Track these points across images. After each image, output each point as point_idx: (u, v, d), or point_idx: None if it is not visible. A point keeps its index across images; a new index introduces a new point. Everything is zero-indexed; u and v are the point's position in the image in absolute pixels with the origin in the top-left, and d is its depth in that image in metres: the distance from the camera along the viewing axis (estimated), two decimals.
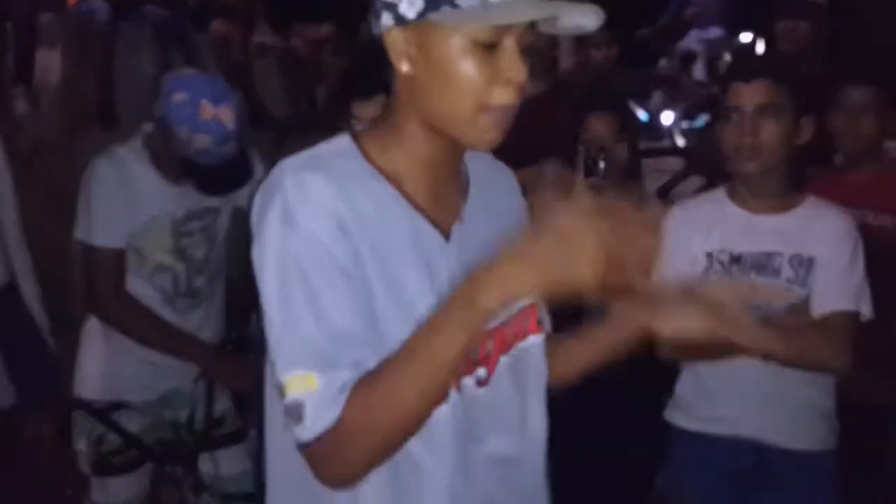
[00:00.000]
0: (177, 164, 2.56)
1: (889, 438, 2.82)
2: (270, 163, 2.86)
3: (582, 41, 4.42)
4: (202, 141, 2.46)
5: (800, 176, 2.47)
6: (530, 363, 1.49)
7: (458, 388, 1.35)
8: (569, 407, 2.89)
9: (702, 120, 7.96)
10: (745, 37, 7.55)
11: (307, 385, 1.23)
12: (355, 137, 1.39)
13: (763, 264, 2.31)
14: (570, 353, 1.61)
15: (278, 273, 1.26)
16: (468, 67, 1.26)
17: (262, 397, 1.44)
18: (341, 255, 1.26)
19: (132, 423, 2.72)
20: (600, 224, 1.13)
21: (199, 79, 2.53)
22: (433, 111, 1.32)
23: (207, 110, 2.44)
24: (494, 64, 1.26)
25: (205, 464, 2.80)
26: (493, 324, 1.36)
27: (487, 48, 1.26)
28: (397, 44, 1.30)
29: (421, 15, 1.25)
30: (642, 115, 8.32)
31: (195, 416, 2.79)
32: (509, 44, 1.27)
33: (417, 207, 1.36)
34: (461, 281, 1.23)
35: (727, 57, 8.02)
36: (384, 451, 1.26)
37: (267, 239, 1.28)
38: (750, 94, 2.29)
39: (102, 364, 2.71)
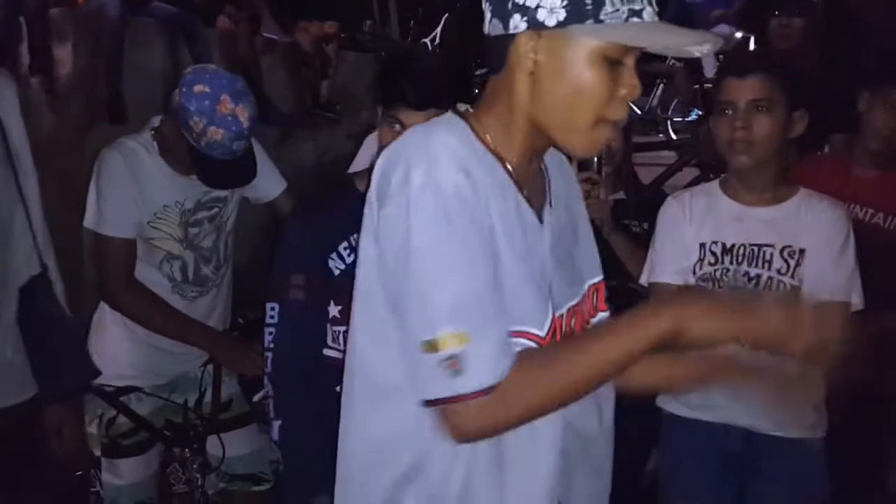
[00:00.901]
0: (186, 156, 2.59)
1: (880, 427, 2.85)
2: (274, 157, 2.93)
3: None
4: (217, 134, 2.49)
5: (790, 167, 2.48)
6: None
7: None
8: None
9: (694, 114, 7.99)
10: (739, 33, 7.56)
11: (462, 341, 1.28)
12: (463, 118, 1.46)
13: (754, 255, 2.34)
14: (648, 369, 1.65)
15: (427, 231, 1.31)
16: (596, 80, 1.34)
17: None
18: (481, 215, 1.33)
19: (142, 407, 2.77)
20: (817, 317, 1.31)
21: (222, 75, 2.57)
22: (549, 114, 1.39)
23: (226, 105, 2.49)
24: (615, 79, 1.36)
25: (212, 446, 2.84)
26: (571, 303, 1.49)
27: (612, 63, 1.35)
28: (525, 47, 1.36)
29: (562, 24, 1.32)
30: (636, 109, 8.35)
31: (203, 399, 2.84)
32: (630, 61, 1.37)
33: (520, 190, 1.44)
34: (673, 300, 1.38)
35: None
36: (529, 421, 1.36)
37: (413, 196, 1.31)
38: (743, 90, 2.30)
39: (113, 350, 2.75)
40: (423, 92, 2.06)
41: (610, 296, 2.66)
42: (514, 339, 1.36)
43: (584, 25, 1.32)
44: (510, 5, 1.35)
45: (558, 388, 1.34)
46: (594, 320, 1.57)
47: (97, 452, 2.79)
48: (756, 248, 2.35)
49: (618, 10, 1.31)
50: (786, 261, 2.32)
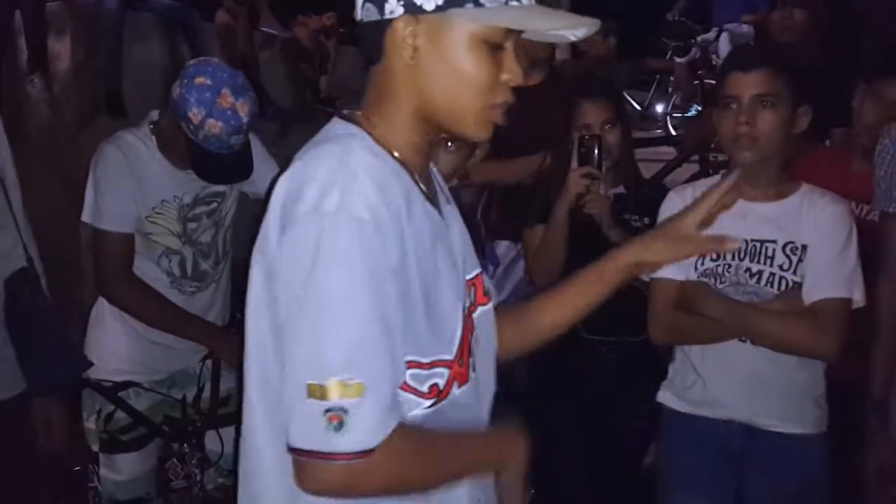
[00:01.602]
0: (184, 150, 2.58)
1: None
2: (273, 152, 2.92)
3: None
4: (215, 127, 2.48)
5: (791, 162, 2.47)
6: (486, 329, 1.53)
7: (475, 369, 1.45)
8: (563, 389, 2.98)
9: (693, 110, 7.99)
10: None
11: (352, 393, 1.19)
12: (355, 123, 1.39)
13: (756, 251, 2.33)
14: (563, 300, 1.67)
15: (336, 266, 1.21)
16: (477, 64, 1.32)
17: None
18: (396, 252, 1.25)
19: (140, 402, 2.76)
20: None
21: (224, 69, 2.56)
22: (434, 102, 1.35)
23: (227, 99, 2.48)
24: (497, 63, 1.33)
25: (211, 441, 2.83)
26: (468, 303, 1.45)
27: (493, 48, 1.32)
28: (403, 32, 1.31)
29: (441, 7, 1.29)
30: (636, 104, 8.35)
31: (202, 394, 2.83)
32: (510, 46, 1.34)
33: (421, 190, 1.39)
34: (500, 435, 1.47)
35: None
36: (384, 495, 1.30)
37: (325, 227, 1.22)
38: (748, 84, 2.28)
39: (111, 345, 2.75)
40: None
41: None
42: (429, 371, 1.32)
43: (463, 9, 1.28)
44: None
45: (426, 475, 1.33)
46: (476, 314, 1.48)
47: (95, 448, 2.78)
48: (758, 244, 2.34)
49: None
50: (788, 257, 2.31)
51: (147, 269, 2.71)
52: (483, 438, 1.46)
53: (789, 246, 2.32)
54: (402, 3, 1.30)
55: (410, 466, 1.29)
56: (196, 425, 2.83)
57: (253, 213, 3.13)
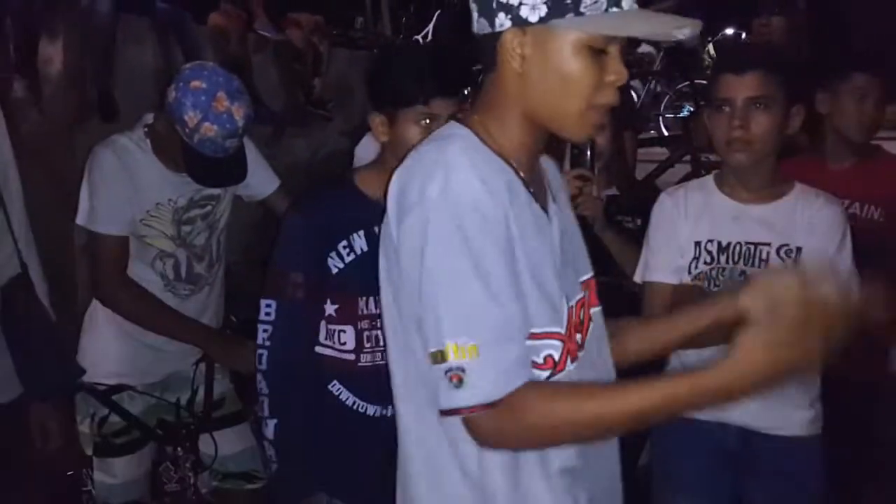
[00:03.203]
0: (179, 153, 2.58)
1: (872, 416, 2.85)
2: (266, 155, 2.92)
3: None
4: (210, 131, 2.49)
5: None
6: (600, 329, 1.64)
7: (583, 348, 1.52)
8: None
9: (686, 110, 8.00)
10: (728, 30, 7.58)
11: (467, 354, 1.31)
12: (466, 125, 1.49)
13: (751, 254, 2.33)
14: (658, 333, 1.76)
15: (442, 243, 1.33)
16: (582, 69, 1.40)
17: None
18: (497, 225, 1.36)
19: (134, 405, 2.76)
20: (814, 301, 1.25)
21: (220, 73, 2.56)
22: (541, 106, 1.45)
23: (222, 102, 2.48)
24: (601, 67, 1.41)
25: (205, 444, 2.83)
26: (578, 297, 1.54)
27: (597, 52, 1.39)
28: (512, 43, 1.41)
29: (544, 19, 1.38)
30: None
31: (195, 398, 2.84)
32: (614, 49, 1.41)
33: (527, 188, 1.49)
34: (706, 365, 1.31)
35: (710, 49, 8.06)
36: (547, 443, 1.41)
37: (429, 209, 1.34)
38: (741, 86, 2.28)
39: (105, 348, 2.75)
40: (450, 79, 2.11)
41: (601, 293, 2.66)
42: (542, 342, 1.41)
43: (564, 19, 1.37)
44: (494, 4, 1.41)
45: (590, 424, 1.34)
46: (594, 311, 1.62)
47: (89, 451, 2.78)
48: (752, 247, 2.34)
49: (597, 1, 1.36)
50: (782, 259, 2.30)
51: (141, 272, 2.70)
52: (655, 382, 1.33)
53: (784, 249, 2.31)
54: (509, 16, 1.40)
55: (550, 413, 1.33)
56: (190, 428, 2.84)
57: (245, 215, 3.15)
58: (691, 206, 2.42)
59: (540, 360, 1.43)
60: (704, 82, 7.02)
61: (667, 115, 8.92)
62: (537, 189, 1.52)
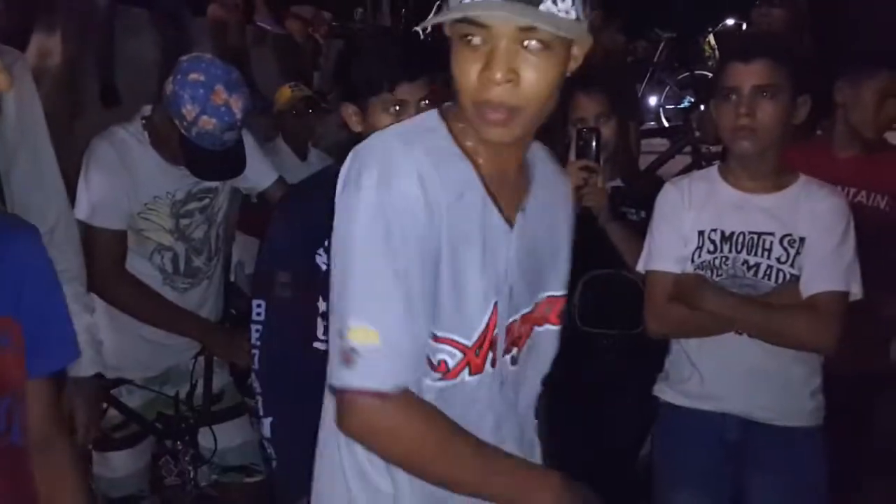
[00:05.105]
0: (177, 146, 2.57)
1: (874, 408, 2.85)
2: (266, 147, 2.91)
3: None
4: (208, 124, 2.48)
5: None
6: (543, 347, 1.63)
7: (494, 366, 1.49)
8: (559, 381, 2.96)
9: (686, 101, 7.99)
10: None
11: (368, 338, 1.33)
12: (442, 115, 1.46)
13: (754, 244, 2.32)
14: None
15: (368, 228, 1.33)
16: (457, 63, 1.36)
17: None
18: (424, 228, 1.34)
19: (133, 399, 2.75)
20: None
21: (218, 65, 2.55)
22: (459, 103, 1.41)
23: (220, 95, 2.47)
24: (477, 60, 1.34)
25: (204, 438, 2.82)
26: (525, 311, 1.52)
27: (466, 43, 1.34)
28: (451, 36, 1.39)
29: (444, 14, 1.34)
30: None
31: (195, 391, 2.83)
32: (491, 43, 1.33)
33: (489, 192, 1.44)
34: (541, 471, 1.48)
35: (711, 39, 8.05)
36: (395, 458, 1.42)
37: (361, 197, 1.34)
38: (748, 75, 2.27)
39: (104, 342, 2.70)
40: (413, 63, 2.06)
41: (606, 285, 2.65)
42: (441, 346, 1.41)
43: (442, 13, 1.35)
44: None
45: (439, 451, 1.39)
46: (540, 330, 1.60)
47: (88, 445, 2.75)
48: (756, 237, 2.33)
49: None
50: (785, 249, 2.30)
51: (139, 266, 2.69)
52: (518, 463, 1.48)
53: (787, 238, 2.31)
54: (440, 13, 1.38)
55: (425, 433, 1.37)
56: (189, 422, 2.83)
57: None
58: (695, 196, 2.41)
59: (434, 362, 1.43)
60: (705, 73, 7.05)
61: (667, 106, 8.92)
62: (505, 194, 1.47)
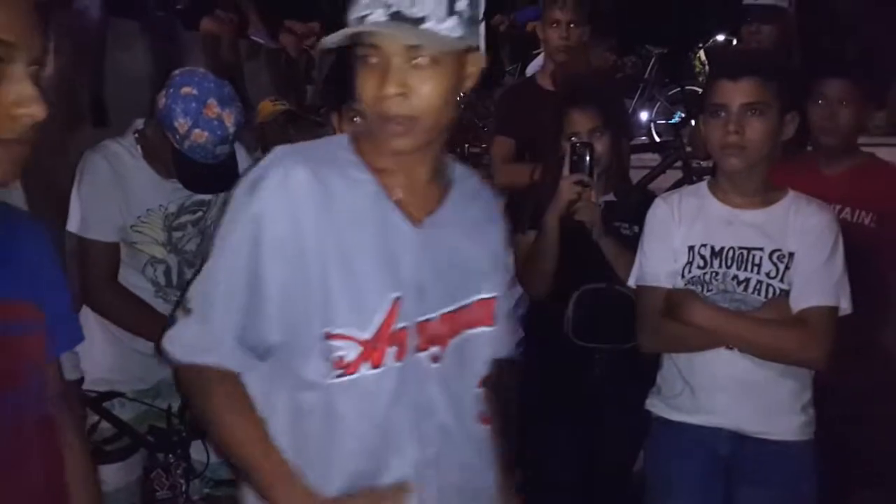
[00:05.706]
0: (169, 159, 2.57)
1: (862, 420, 2.84)
2: (256, 160, 2.92)
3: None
4: (201, 137, 2.48)
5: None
6: (476, 348, 1.64)
7: (401, 361, 1.53)
8: (551, 396, 2.98)
9: (677, 116, 8.01)
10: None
11: (185, 312, 1.54)
12: (354, 136, 1.57)
13: (744, 259, 2.34)
14: None
15: (227, 225, 1.51)
16: (360, 80, 1.47)
17: None
18: (293, 247, 1.46)
19: (125, 412, 2.74)
20: None
21: (210, 79, 2.56)
22: None
23: (213, 109, 2.48)
24: (378, 76, 1.43)
25: (196, 451, 2.77)
26: (445, 310, 1.57)
27: (372, 66, 1.43)
28: None
29: (339, 34, 1.44)
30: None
31: (187, 404, 2.82)
32: (387, 60, 1.42)
33: (395, 199, 1.52)
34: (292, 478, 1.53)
35: (701, 55, 8.07)
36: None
37: (238, 196, 1.50)
38: (737, 92, 2.29)
39: (95, 354, 2.68)
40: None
41: (600, 299, 2.65)
42: (336, 342, 1.49)
43: (343, 33, 1.44)
44: None
45: (214, 423, 1.57)
46: (473, 332, 1.63)
47: None
48: (745, 252, 2.34)
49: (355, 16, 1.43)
50: (775, 264, 2.32)
51: (132, 279, 2.69)
52: (276, 463, 1.53)
53: (776, 254, 2.32)
54: None
55: (208, 406, 1.56)
56: (181, 435, 2.80)
57: None
58: (685, 211, 2.43)
59: (331, 360, 1.49)
60: (695, 88, 7.06)
61: (658, 122, 8.93)
62: (413, 203, 1.54)
